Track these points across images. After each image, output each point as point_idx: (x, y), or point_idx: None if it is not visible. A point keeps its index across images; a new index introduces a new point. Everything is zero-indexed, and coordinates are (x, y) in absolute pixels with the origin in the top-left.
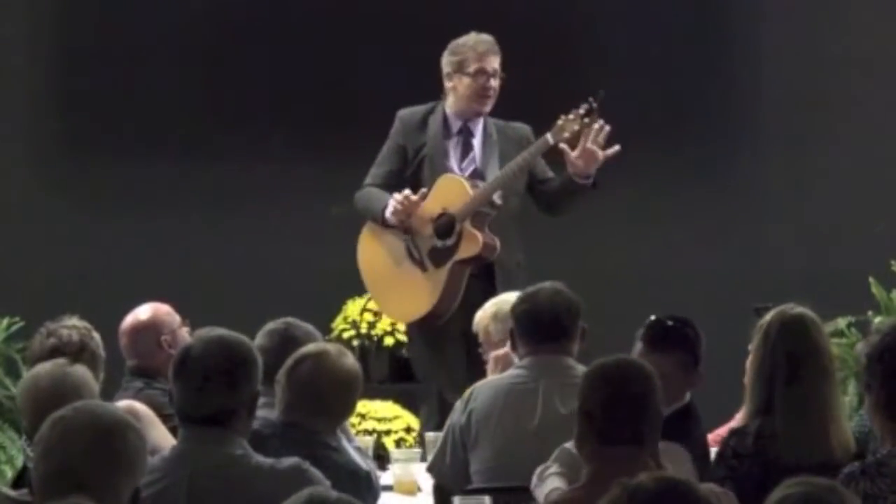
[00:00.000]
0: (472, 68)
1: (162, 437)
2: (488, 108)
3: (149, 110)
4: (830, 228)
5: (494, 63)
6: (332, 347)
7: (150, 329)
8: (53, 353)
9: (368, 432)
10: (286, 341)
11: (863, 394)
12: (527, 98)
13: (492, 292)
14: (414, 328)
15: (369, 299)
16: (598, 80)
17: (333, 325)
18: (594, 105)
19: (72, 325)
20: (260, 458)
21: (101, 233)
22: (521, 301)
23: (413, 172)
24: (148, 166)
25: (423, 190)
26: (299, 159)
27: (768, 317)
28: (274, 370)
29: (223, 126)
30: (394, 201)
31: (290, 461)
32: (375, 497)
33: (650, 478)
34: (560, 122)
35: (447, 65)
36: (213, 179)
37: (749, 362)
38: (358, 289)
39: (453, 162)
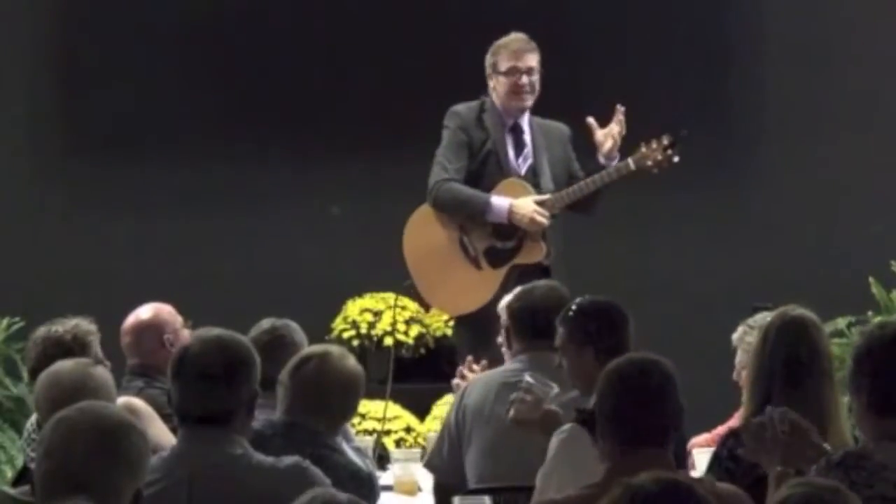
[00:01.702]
0: (505, 66)
1: (161, 434)
2: (527, 103)
3: (149, 111)
4: (830, 228)
5: (529, 61)
6: (334, 349)
7: (153, 328)
8: (54, 352)
9: (368, 432)
10: (276, 342)
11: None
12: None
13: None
14: (464, 324)
15: (369, 299)
16: (599, 79)
17: (333, 325)
18: (677, 140)
19: (73, 325)
20: (260, 458)
21: (102, 233)
22: (516, 298)
23: (477, 167)
24: (148, 167)
25: (544, 197)
26: (299, 160)
27: (769, 318)
28: (265, 372)
29: (223, 127)
30: (541, 216)
31: (290, 460)
32: (375, 498)
33: (651, 478)
34: (643, 149)
35: (487, 66)
36: (213, 180)
37: (748, 363)
38: (358, 289)
39: (512, 157)
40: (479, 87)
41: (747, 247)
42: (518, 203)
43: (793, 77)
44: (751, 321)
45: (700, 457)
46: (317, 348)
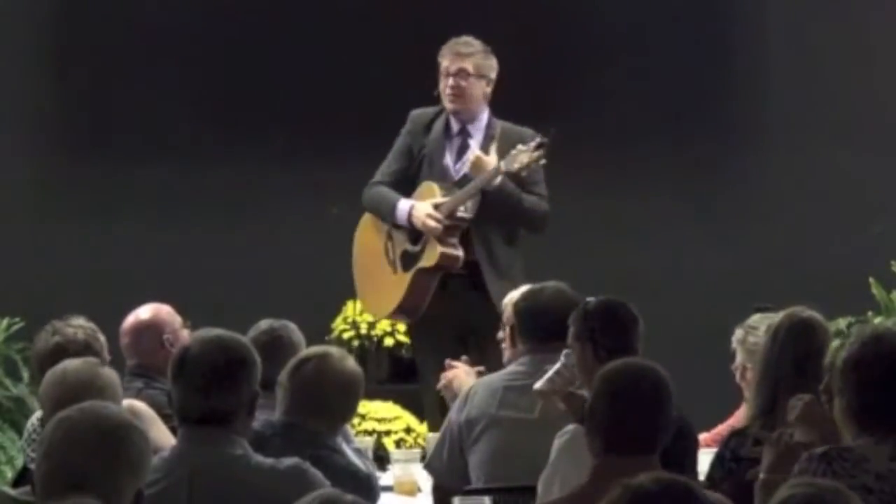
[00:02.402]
0: (441, 67)
1: (162, 436)
2: (455, 106)
3: (149, 112)
4: (830, 228)
5: (460, 62)
6: (334, 350)
7: (152, 328)
8: (58, 350)
9: (368, 433)
10: (274, 342)
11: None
12: (528, 94)
13: (484, 298)
14: (413, 331)
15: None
16: (600, 78)
17: (333, 325)
18: (545, 141)
19: (78, 325)
20: (260, 458)
21: (102, 234)
22: (523, 299)
23: (415, 172)
24: (148, 167)
25: (440, 200)
26: (299, 160)
27: (767, 319)
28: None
29: (223, 127)
30: (432, 220)
31: (290, 461)
32: (375, 499)
33: (650, 478)
34: (514, 151)
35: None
36: (212, 180)
37: (755, 363)
38: None
39: (449, 162)
40: None
41: (747, 247)
42: (417, 206)
43: (793, 77)
44: (751, 322)
45: (700, 457)
46: (316, 349)
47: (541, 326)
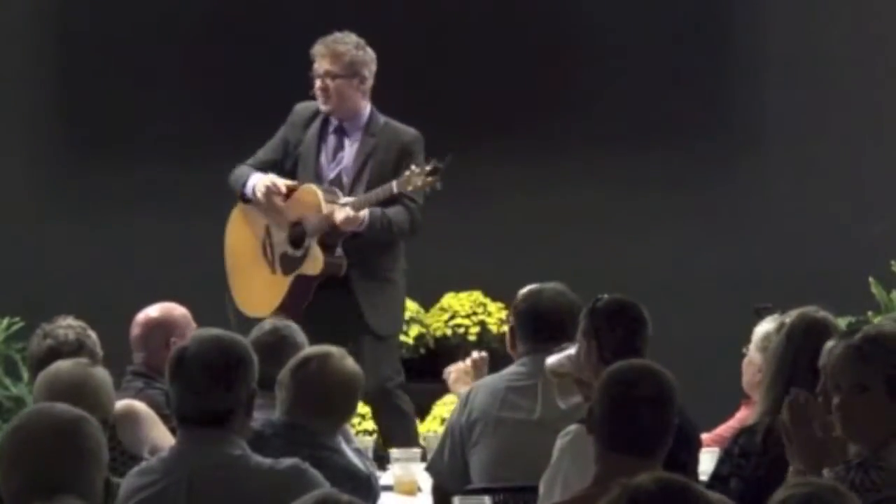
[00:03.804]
0: (312, 68)
1: (163, 437)
2: (326, 108)
3: (148, 112)
4: (830, 228)
5: (326, 64)
6: (334, 350)
7: (161, 327)
8: (51, 353)
9: (368, 432)
10: (278, 343)
11: None
12: (528, 94)
13: (351, 303)
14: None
15: None
16: (599, 79)
17: None
18: (440, 166)
19: (67, 325)
20: (259, 459)
21: (101, 233)
22: (522, 299)
23: (291, 167)
24: (147, 167)
25: (294, 183)
26: None
27: (791, 319)
28: (266, 373)
29: (223, 126)
30: (262, 184)
31: (289, 461)
32: (375, 499)
33: (650, 478)
34: (408, 173)
35: None
36: (212, 180)
37: (766, 362)
38: None
39: (324, 161)
40: (478, 87)
41: (747, 247)
42: (263, 178)
43: (793, 77)
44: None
45: (701, 456)
46: (317, 349)
47: (540, 327)
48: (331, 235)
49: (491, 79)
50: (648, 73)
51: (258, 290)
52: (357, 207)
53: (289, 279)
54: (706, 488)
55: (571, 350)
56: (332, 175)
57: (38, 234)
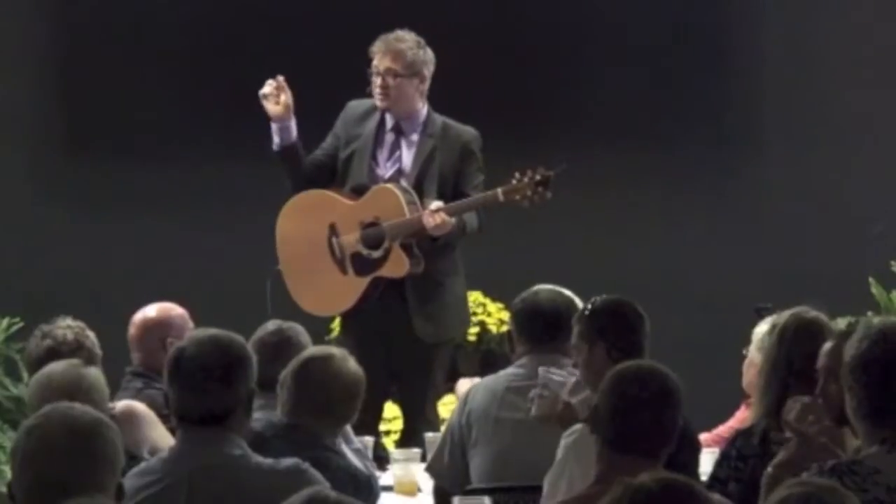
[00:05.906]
0: (372, 65)
1: (163, 438)
2: (384, 105)
3: (148, 111)
4: (830, 228)
5: (388, 61)
6: (336, 350)
7: (157, 328)
8: (50, 353)
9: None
10: (282, 343)
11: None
12: (528, 94)
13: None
14: (343, 326)
15: None
16: (599, 79)
17: (332, 325)
18: (550, 174)
19: (66, 325)
20: (259, 459)
21: (101, 234)
22: (521, 301)
23: (343, 163)
24: (147, 167)
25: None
26: None
27: (783, 319)
28: (269, 373)
29: (223, 126)
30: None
31: (289, 462)
32: (375, 500)
33: (652, 478)
34: (515, 181)
35: None
36: (213, 180)
37: (761, 364)
38: None
39: (380, 159)
40: (478, 87)
41: (747, 247)
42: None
43: (793, 77)
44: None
45: (701, 457)
46: (319, 350)
47: (539, 328)
48: (411, 237)
49: (491, 79)
50: (648, 73)
51: (327, 292)
52: (452, 213)
53: (365, 281)
54: (706, 489)
55: (535, 391)
56: (388, 174)
57: (38, 233)
